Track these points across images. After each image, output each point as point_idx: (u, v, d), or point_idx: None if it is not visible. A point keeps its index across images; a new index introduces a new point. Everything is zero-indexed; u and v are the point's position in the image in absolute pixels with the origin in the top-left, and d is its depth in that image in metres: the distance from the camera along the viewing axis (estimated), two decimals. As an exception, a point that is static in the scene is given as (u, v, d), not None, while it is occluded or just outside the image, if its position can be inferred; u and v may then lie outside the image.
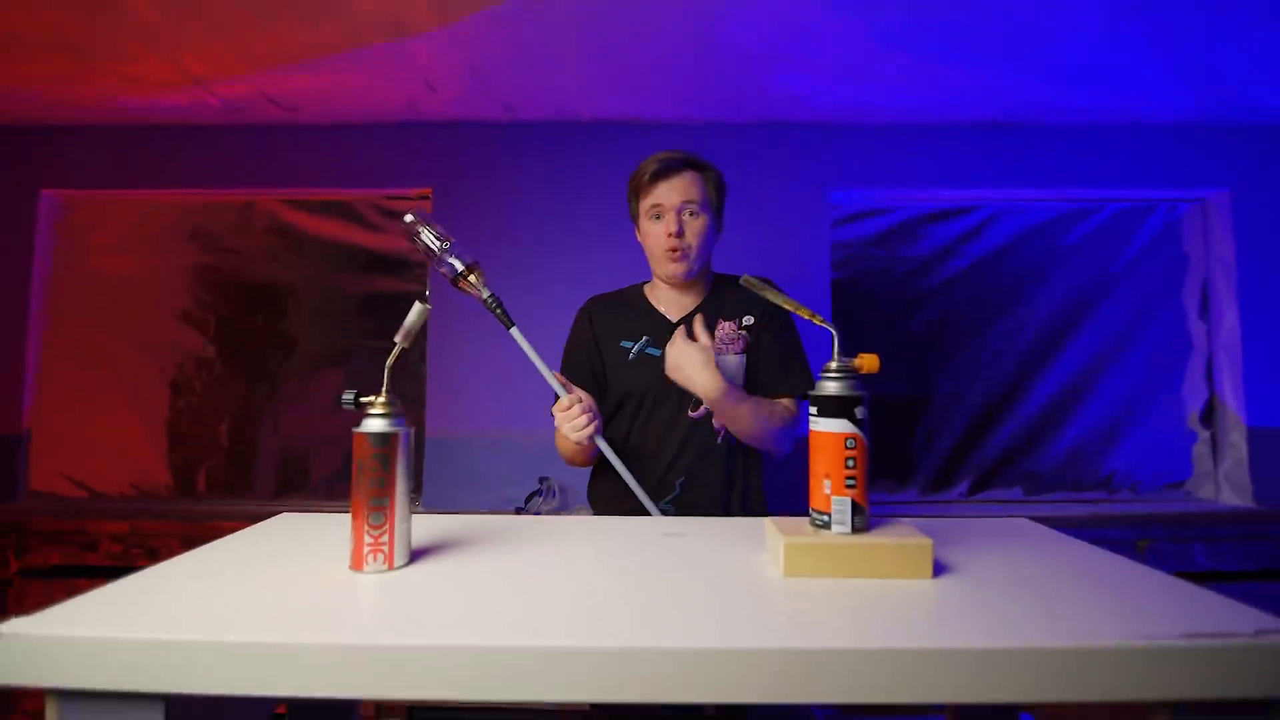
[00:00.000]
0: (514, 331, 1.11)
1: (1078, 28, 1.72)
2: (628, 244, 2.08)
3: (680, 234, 1.18)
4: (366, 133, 2.23)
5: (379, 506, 0.69)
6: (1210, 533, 2.06)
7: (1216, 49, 1.82)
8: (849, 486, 0.70)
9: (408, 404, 2.31)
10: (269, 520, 0.94)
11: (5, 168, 2.28)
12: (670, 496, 1.18)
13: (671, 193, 1.19)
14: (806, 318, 0.76)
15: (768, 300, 1.21)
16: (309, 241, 2.35)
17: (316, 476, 2.32)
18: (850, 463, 0.70)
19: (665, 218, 1.20)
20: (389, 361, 0.73)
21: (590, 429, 1.08)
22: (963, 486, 2.38)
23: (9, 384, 2.25)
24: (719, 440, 1.20)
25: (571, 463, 1.26)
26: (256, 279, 2.35)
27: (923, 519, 0.82)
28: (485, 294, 1.09)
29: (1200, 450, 2.39)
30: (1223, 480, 2.34)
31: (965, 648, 0.53)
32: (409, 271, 2.33)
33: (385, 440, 0.69)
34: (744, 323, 1.23)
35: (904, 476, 2.37)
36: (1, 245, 2.27)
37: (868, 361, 0.73)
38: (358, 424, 0.70)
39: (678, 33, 1.73)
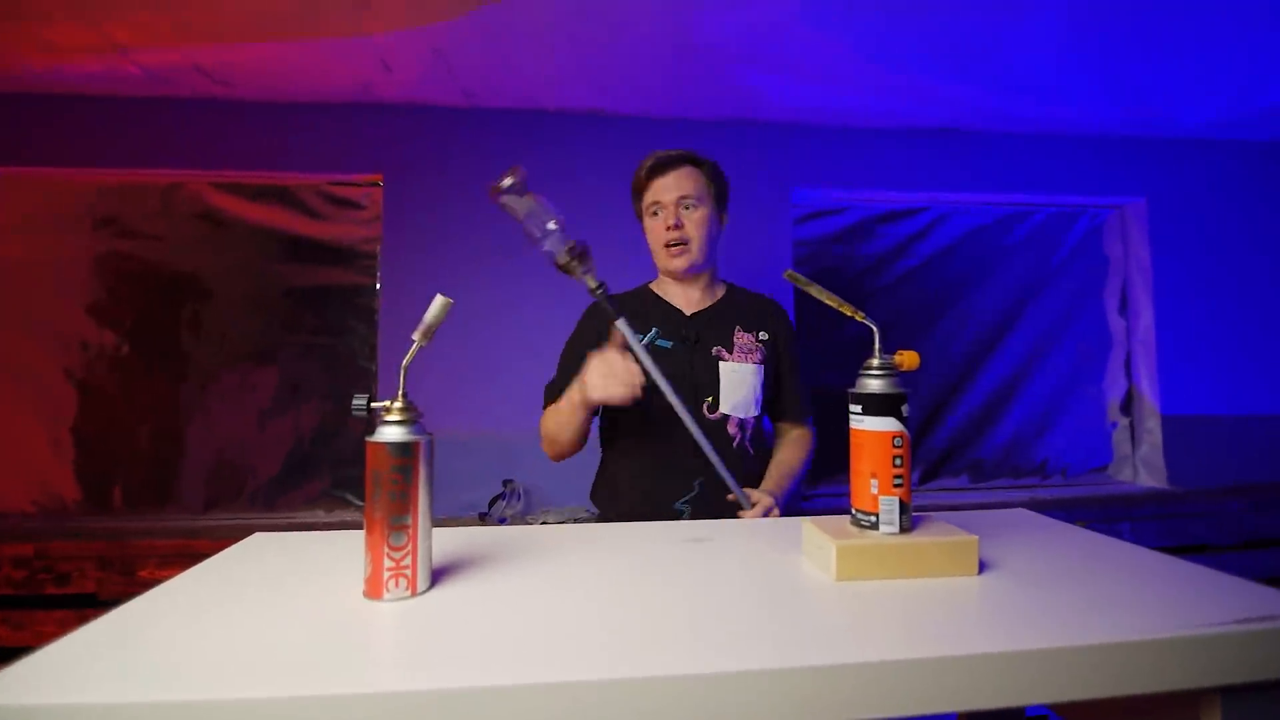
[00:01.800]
0: (620, 324, 1.04)
1: (1026, 44, 1.83)
2: (589, 238, 2.04)
3: (679, 226, 1.20)
4: (312, 113, 2.06)
5: (400, 525, 0.61)
6: (1133, 513, 2.24)
7: (1141, 68, 1.97)
8: (896, 486, 0.69)
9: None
10: (245, 541, 0.83)
11: None
12: (689, 496, 1.17)
13: (668, 188, 1.21)
14: (849, 314, 0.74)
15: (778, 317, 1.31)
16: (241, 229, 2.14)
17: (251, 486, 2.13)
18: (897, 461, 0.69)
19: (663, 213, 1.22)
20: (405, 361, 0.66)
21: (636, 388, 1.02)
22: (914, 475, 2.48)
23: None
24: (734, 445, 1.20)
25: (555, 445, 1.19)
26: (180, 269, 2.12)
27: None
28: (594, 284, 1.01)
29: (1120, 437, 2.60)
30: (1140, 464, 2.55)
31: (1038, 648, 0.52)
32: (356, 262, 2.17)
33: (406, 450, 0.62)
34: (760, 336, 1.25)
35: (862, 468, 2.44)
36: None
37: (908, 358, 0.72)
38: (372, 433, 0.63)
39: (651, 27, 1.69)
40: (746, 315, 1.27)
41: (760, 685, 0.48)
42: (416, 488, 0.63)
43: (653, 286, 1.32)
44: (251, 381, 2.14)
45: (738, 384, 1.20)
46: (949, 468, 2.50)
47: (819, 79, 1.97)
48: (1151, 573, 0.69)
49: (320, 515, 2.10)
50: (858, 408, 0.70)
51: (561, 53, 1.81)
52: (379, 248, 2.13)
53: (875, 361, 0.71)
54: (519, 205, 0.97)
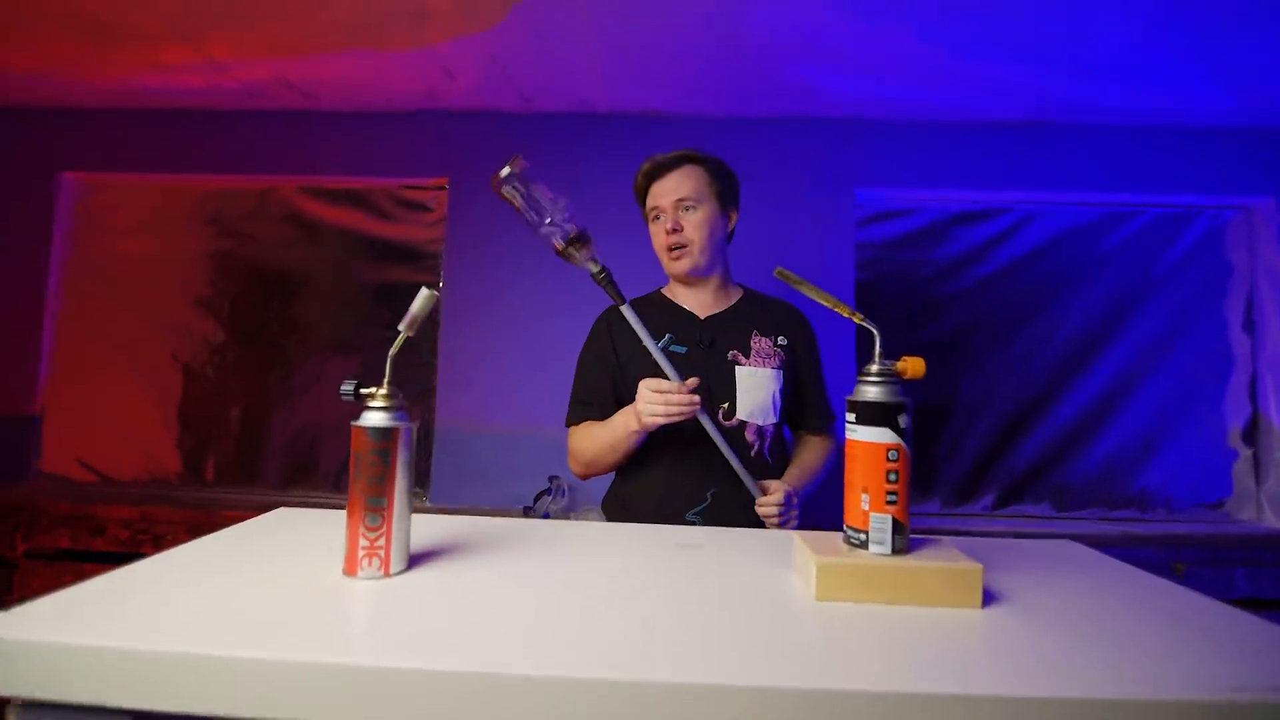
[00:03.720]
0: (625, 309, 1.03)
1: (1114, 24, 1.65)
2: (646, 237, 2.03)
3: (678, 230, 1.17)
4: (384, 121, 2.19)
5: (376, 507, 0.63)
6: (1252, 556, 1.95)
7: (1258, 51, 1.73)
8: (890, 503, 0.63)
9: (417, 395, 2.29)
10: (265, 515, 0.90)
11: (25, 149, 2.28)
12: (700, 506, 1.13)
13: (666, 192, 1.19)
14: (846, 315, 0.69)
15: (798, 323, 1.28)
16: (324, 229, 2.32)
17: (325, 468, 2.29)
18: (892, 476, 0.63)
19: (663, 217, 1.20)
20: (392, 351, 0.68)
21: (694, 409, 1.02)
22: (988, 499, 2.29)
23: (24, 365, 2.25)
24: (752, 453, 1.15)
25: (592, 468, 1.19)
26: (271, 266, 2.32)
27: (954, 536, 0.75)
28: (595, 269, 1.00)
29: (1241, 469, 2.28)
30: (1265, 502, 2.23)
31: (1029, 696, 0.46)
32: (423, 261, 2.29)
33: (385, 435, 0.64)
34: (779, 342, 1.21)
35: (926, 488, 2.29)
36: (20, 226, 2.27)
37: (912, 365, 0.66)
38: (357, 417, 0.65)
39: (701, 23, 1.67)
40: (763, 320, 1.23)
41: (697, 699, 0.46)
42: (394, 472, 0.65)
43: (664, 292, 1.29)
44: (328, 372, 2.31)
45: (755, 389, 1.15)
46: (1030, 493, 2.29)
47: (879, 72, 1.87)
48: (1193, 619, 0.60)
49: (381, 499, 2.22)
50: (852, 416, 0.66)
51: (610, 55, 1.82)
52: (443, 248, 2.24)
53: (874, 367, 0.66)
54: (517, 194, 0.98)
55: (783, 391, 1.18)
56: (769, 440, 1.17)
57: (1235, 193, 2.23)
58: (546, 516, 1.94)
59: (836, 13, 1.61)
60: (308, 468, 2.29)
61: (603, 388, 1.20)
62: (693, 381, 1.02)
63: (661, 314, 1.22)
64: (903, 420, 0.64)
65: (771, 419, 1.17)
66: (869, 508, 0.64)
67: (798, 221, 2.17)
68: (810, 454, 1.24)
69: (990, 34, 1.69)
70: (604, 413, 1.17)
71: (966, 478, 2.30)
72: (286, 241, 2.31)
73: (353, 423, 0.65)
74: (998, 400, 2.30)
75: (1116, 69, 1.84)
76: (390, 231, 2.30)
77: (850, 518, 0.65)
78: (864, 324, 0.68)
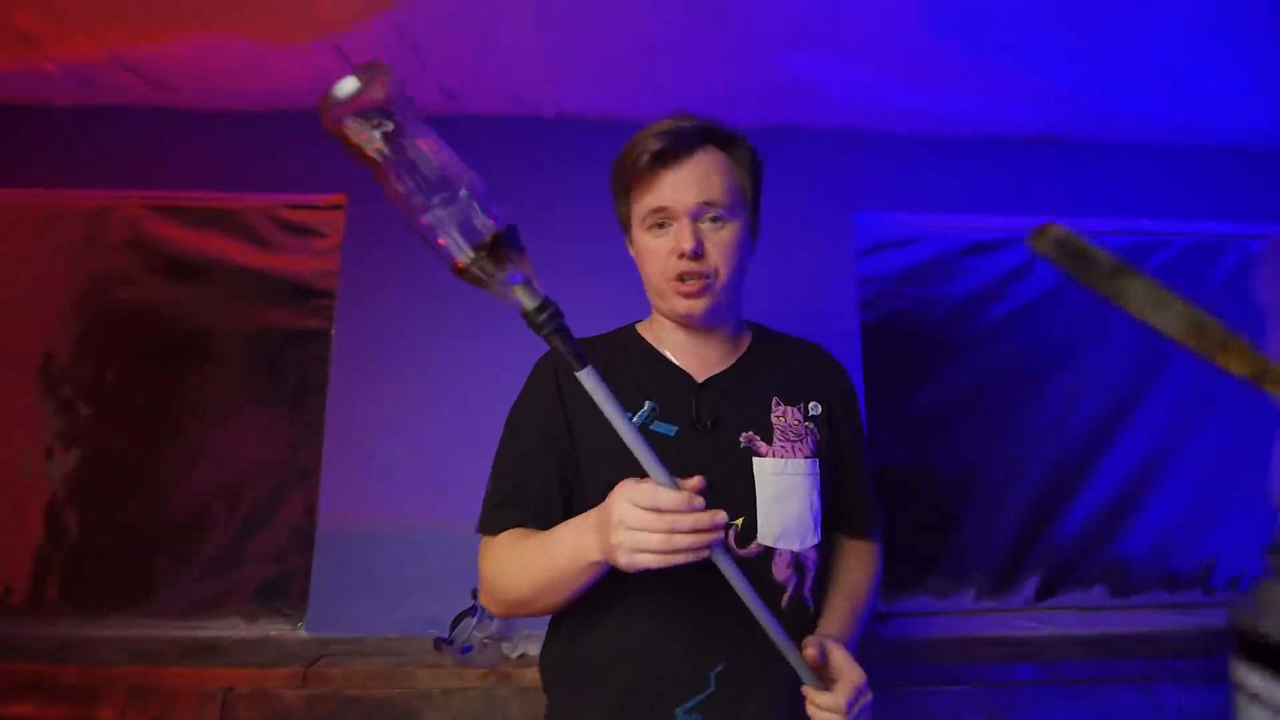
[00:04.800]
0: (584, 376, 0.56)
1: (1161, 23, 1.39)
2: (596, 268, 1.61)
3: (699, 254, 0.73)
4: (259, 120, 1.71)
5: None
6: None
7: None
8: None
9: (295, 477, 1.71)
10: None
11: None
12: (700, 696, 0.67)
13: (684, 188, 0.74)
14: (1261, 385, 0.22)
15: (833, 375, 0.82)
16: (179, 260, 1.77)
17: (167, 586, 1.67)
18: None
19: (674, 227, 0.75)
20: None
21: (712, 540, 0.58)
22: (1030, 587, 1.86)
23: None
24: (784, 600, 0.71)
25: (518, 609, 0.74)
26: (105, 309, 1.75)
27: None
28: (531, 304, 0.54)
29: (1304, 538, 1.93)
30: (1346, 578, 1.87)
31: None
32: (311, 301, 1.77)
33: None
34: (810, 410, 0.79)
35: (957, 577, 1.84)
36: None
37: None
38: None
39: (673, 3, 1.30)
40: (785, 377, 0.81)
41: None
42: None
43: (642, 332, 0.85)
44: (176, 453, 1.71)
45: (785, 494, 0.72)
46: (1077, 576, 1.87)
47: (889, 68, 1.54)
48: None
49: (240, 627, 1.61)
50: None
51: (560, 41, 1.42)
52: (337, 284, 1.73)
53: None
54: (376, 142, 0.51)
55: (822, 491, 0.76)
56: (810, 575, 0.73)
57: (1267, 220, 1.98)
58: (467, 651, 1.38)
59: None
60: (140, 587, 1.66)
61: (542, 475, 0.76)
62: (696, 481, 0.57)
63: (641, 368, 0.79)
64: None
65: (811, 539, 0.73)
66: None
67: (788, 250, 1.77)
68: (859, 571, 0.81)
69: (1020, 29, 1.39)
70: (544, 517, 0.72)
71: (1003, 562, 1.86)
72: (127, 277, 1.75)
73: None
74: (1032, 465, 1.90)
75: (1163, 75, 1.60)
76: (268, 262, 1.77)
77: None
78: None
